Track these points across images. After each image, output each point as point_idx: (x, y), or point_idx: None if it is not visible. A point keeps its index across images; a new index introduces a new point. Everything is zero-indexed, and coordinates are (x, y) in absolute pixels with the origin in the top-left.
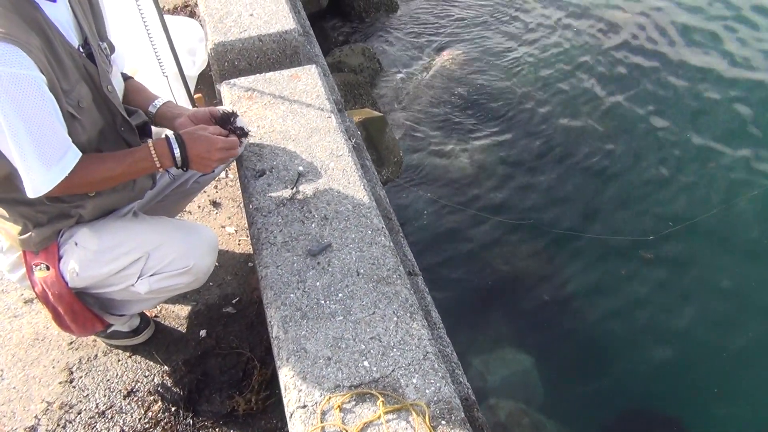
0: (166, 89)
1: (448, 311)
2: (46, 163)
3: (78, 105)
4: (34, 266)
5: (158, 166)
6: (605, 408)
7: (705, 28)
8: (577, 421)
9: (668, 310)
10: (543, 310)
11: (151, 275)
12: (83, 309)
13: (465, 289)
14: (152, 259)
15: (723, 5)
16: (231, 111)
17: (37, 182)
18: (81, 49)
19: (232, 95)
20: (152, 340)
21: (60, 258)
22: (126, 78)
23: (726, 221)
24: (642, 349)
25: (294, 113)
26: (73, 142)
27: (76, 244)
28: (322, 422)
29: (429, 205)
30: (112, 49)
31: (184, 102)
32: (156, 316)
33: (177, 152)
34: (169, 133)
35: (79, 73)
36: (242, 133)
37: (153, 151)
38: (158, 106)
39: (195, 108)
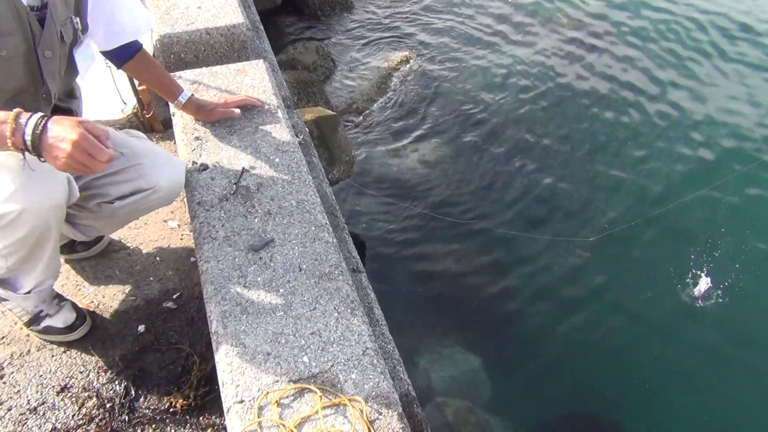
0: (109, 79)
1: (394, 310)
2: None
3: None
4: None
5: (9, 135)
6: (550, 409)
7: (656, 38)
8: (523, 421)
9: (611, 312)
10: (489, 310)
11: None
12: None
13: (411, 288)
14: None
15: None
16: None
17: None
18: (33, 10)
19: None
20: (88, 335)
21: None
22: (138, 47)
23: (664, 223)
24: (585, 351)
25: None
26: None
27: None
28: (259, 417)
29: (378, 203)
30: (84, 27)
31: (127, 93)
32: (93, 311)
33: (28, 133)
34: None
35: (18, 25)
36: None
37: (11, 118)
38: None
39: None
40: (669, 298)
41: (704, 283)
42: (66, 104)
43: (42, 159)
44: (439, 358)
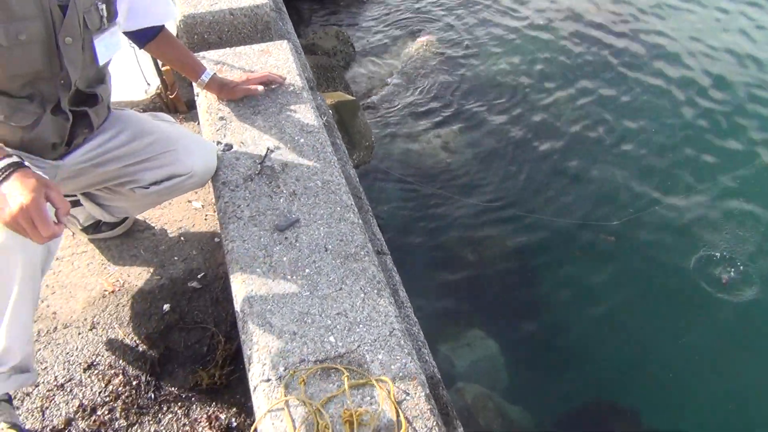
0: (133, 60)
1: (416, 293)
2: None
3: (16, 37)
4: None
5: None
6: (567, 397)
7: (674, 25)
8: (541, 408)
9: (634, 299)
10: (511, 295)
11: None
12: None
13: (433, 272)
14: None
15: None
16: None
17: None
18: None
19: None
20: (115, 313)
21: None
22: (161, 27)
23: (692, 208)
24: (606, 339)
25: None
26: None
27: None
28: (285, 396)
29: (400, 187)
30: (111, 15)
31: (151, 74)
32: (117, 290)
33: None
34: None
35: (39, 11)
36: None
37: None
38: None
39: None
40: (693, 284)
41: (730, 269)
42: (92, 89)
43: None
44: (460, 343)
